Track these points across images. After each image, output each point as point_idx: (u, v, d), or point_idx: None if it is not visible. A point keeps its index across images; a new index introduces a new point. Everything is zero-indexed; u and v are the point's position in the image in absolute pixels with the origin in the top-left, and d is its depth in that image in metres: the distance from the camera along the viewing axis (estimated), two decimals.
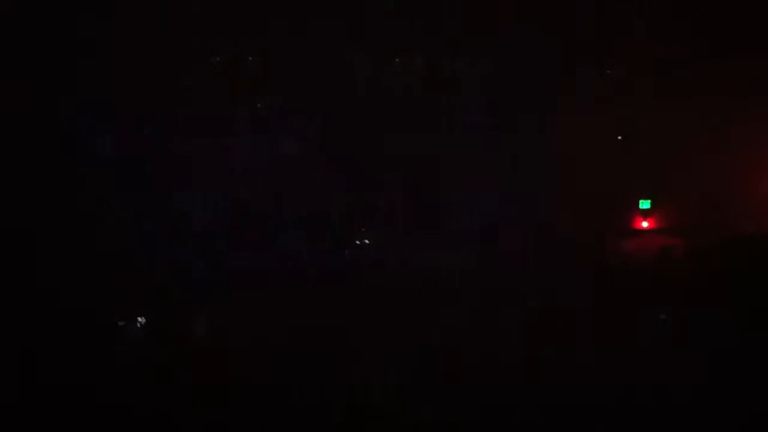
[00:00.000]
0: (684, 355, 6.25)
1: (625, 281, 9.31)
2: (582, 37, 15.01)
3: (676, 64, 15.14)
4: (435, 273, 13.41)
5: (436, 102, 15.86)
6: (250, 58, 14.13)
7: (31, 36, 12.40)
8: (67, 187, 13.68)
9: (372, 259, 15.61)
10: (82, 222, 13.78)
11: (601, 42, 15.27)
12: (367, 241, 16.01)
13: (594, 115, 16.46)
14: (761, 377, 5.68)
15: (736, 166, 16.02)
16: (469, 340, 7.11)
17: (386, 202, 15.80)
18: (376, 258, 15.70)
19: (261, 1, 13.45)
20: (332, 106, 15.29)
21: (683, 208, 16.21)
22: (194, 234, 14.99)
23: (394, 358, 6.90)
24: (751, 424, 5.31)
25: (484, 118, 17.12)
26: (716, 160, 16.00)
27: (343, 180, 15.52)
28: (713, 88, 15.33)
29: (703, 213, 15.48)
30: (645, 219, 17.34)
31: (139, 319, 8.99)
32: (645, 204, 17.40)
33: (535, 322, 7.31)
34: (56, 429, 6.14)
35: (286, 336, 8.00)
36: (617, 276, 9.74)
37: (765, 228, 13.95)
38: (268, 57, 14.28)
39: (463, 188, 16.69)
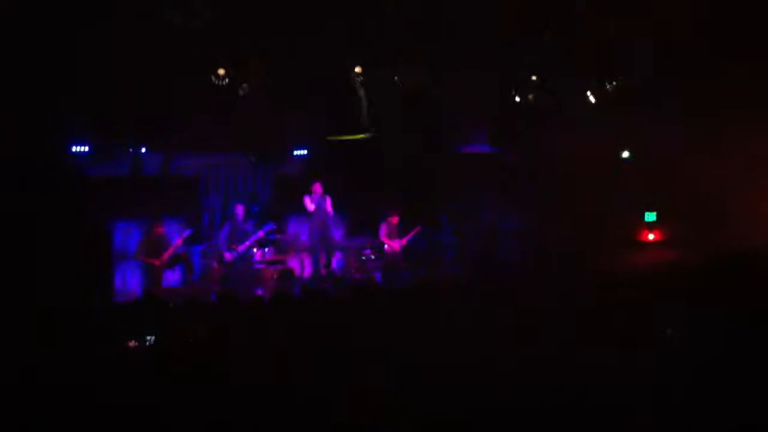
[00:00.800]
0: (685, 363, 6.14)
1: (628, 293, 9.20)
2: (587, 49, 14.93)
3: (684, 77, 15.04)
4: (436, 282, 13.31)
5: (437, 113, 15.78)
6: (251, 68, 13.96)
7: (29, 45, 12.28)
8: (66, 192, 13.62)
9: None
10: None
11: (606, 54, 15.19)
12: (373, 257, 15.94)
13: (598, 127, 16.39)
14: (759, 388, 5.55)
15: (744, 179, 15.91)
16: (467, 346, 7.01)
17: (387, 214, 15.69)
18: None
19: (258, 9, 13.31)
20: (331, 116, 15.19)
21: (689, 220, 16.11)
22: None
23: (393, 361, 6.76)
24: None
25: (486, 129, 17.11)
26: (724, 172, 15.90)
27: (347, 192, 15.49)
28: (722, 100, 15.23)
29: (710, 226, 15.35)
30: (650, 231, 17.30)
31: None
32: (650, 216, 17.38)
33: (535, 331, 7.18)
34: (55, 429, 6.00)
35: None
36: (620, 288, 9.62)
37: None
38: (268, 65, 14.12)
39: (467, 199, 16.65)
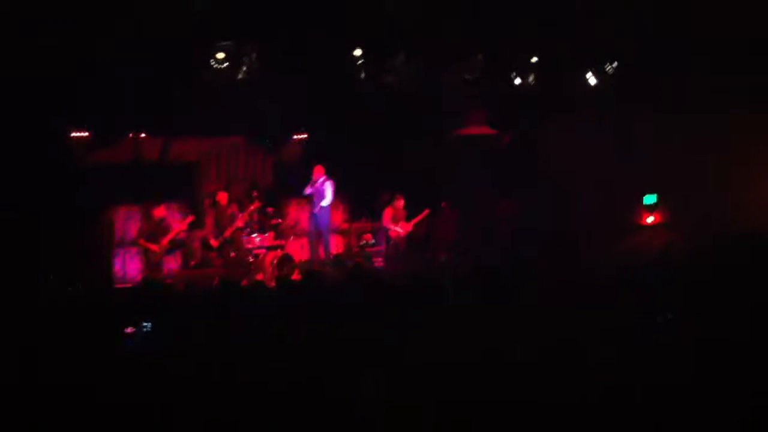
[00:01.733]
0: (685, 354, 6.12)
1: (628, 277, 9.20)
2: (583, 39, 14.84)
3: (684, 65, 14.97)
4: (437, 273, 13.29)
5: (435, 107, 15.74)
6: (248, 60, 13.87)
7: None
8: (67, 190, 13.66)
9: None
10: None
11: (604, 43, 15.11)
12: (373, 241, 15.92)
13: (597, 113, 16.35)
14: (762, 376, 5.53)
15: (742, 162, 15.88)
16: (466, 338, 7.00)
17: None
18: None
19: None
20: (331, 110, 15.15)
21: (689, 203, 16.09)
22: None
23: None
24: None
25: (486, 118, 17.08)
26: (722, 156, 15.87)
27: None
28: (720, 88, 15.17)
29: (709, 209, 15.33)
30: (650, 214, 17.27)
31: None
32: (650, 199, 17.35)
33: (533, 321, 7.17)
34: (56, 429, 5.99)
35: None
36: (620, 271, 9.61)
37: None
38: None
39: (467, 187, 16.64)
